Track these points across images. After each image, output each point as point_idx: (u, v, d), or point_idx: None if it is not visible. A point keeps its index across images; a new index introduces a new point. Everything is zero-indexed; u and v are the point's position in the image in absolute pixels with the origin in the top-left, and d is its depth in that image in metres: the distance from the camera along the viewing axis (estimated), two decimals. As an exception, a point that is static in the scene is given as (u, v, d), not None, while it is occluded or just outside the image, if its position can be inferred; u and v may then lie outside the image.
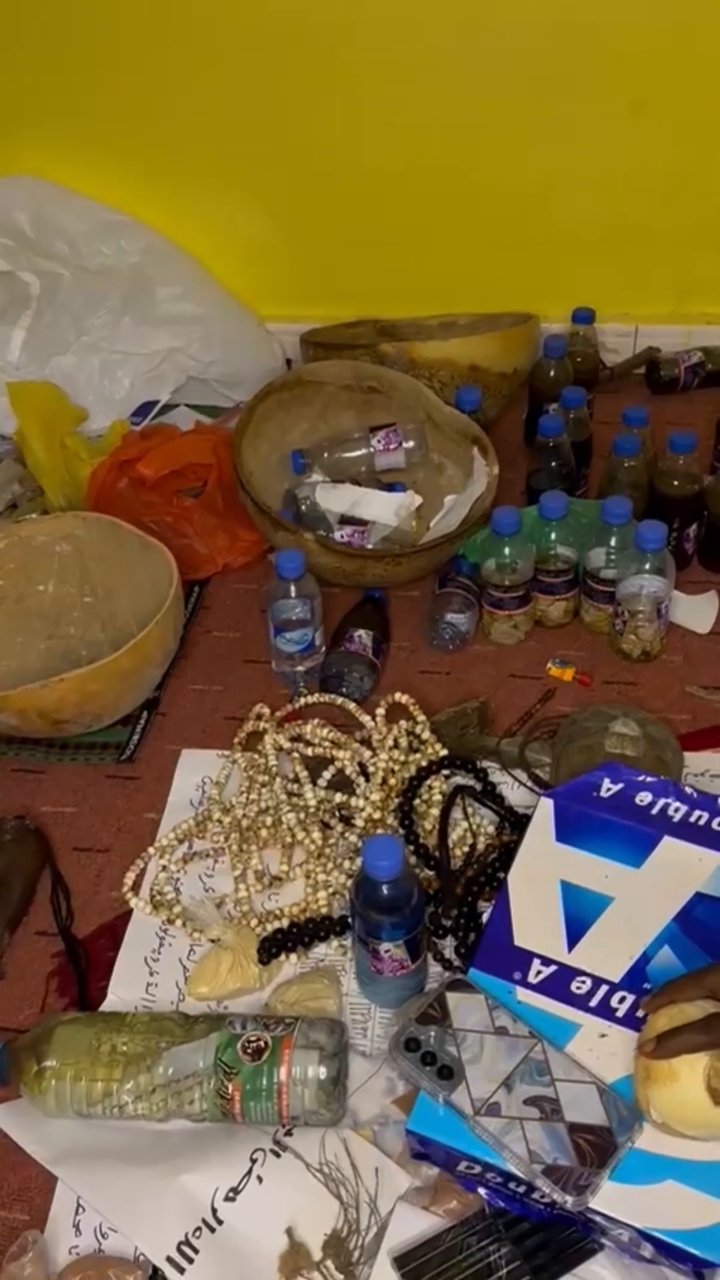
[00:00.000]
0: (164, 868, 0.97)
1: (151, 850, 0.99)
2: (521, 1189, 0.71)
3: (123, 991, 0.89)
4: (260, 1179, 0.74)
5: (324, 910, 0.93)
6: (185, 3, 1.38)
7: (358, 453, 1.31)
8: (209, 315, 1.50)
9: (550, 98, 1.39)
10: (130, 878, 0.96)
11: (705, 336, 1.53)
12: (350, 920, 0.84)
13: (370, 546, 1.25)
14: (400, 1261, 0.71)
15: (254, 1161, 0.75)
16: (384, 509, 1.27)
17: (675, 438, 1.19)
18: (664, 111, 1.39)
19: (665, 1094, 0.70)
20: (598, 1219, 0.69)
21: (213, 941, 0.90)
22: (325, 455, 1.32)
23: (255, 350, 1.54)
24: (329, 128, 1.45)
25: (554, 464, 1.27)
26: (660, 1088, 0.70)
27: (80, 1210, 0.76)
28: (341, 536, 1.24)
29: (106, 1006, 0.88)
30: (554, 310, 1.49)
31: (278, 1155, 0.75)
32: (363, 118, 1.44)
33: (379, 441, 1.31)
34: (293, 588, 1.11)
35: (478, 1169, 0.72)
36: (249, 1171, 0.74)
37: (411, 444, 1.31)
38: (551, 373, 1.39)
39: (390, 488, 1.31)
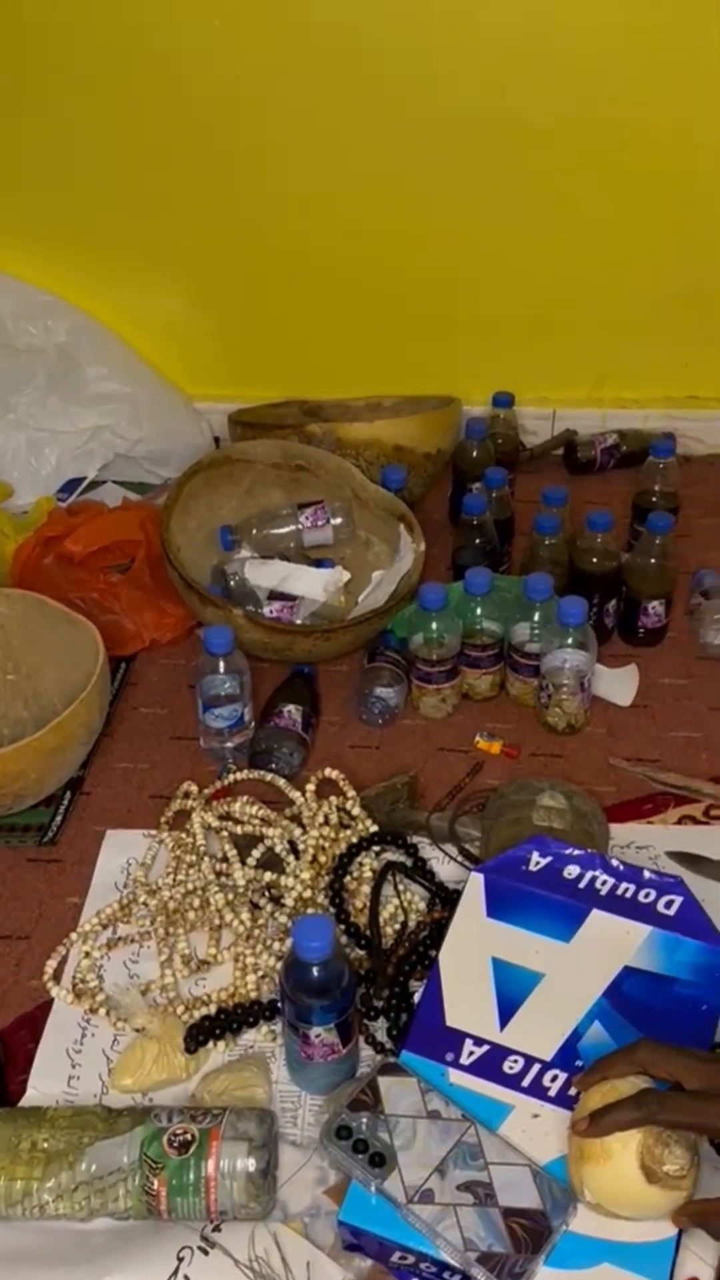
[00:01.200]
0: (87, 954, 0.94)
1: (74, 936, 0.96)
2: (456, 1278, 0.69)
3: (43, 1085, 0.85)
4: (188, 1278, 0.71)
5: (253, 994, 0.91)
6: (111, 90, 1.42)
7: (286, 529, 1.33)
8: (136, 394, 1.51)
9: (474, 188, 1.45)
10: (51, 966, 0.93)
11: (620, 419, 1.59)
12: (280, 1004, 0.83)
13: (299, 622, 1.25)
14: None
15: (181, 1260, 0.72)
16: (312, 584, 1.28)
17: (593, 516, 1.23)
18: (582, 205, 1.46)
19: (599, 1174, 0.69)
20: (534, 1308, 0.68)
21: (137, 1031, 0.87)
22: (254, 531, 1.33)
23: (183, 429, 1.56)
24: (256, 212, 1.49)
25: (478, 541, 1.30)
26: (593, 1167, 0.69)
27: (-4, 1323, 0.72)
28: (270, 612, 1.25)
29: (26, 1101, 0.84)
30: (476, 393, 1.54)
31: (205, 1253, 0.72)
32: (289, 202, 1.49)
33: (307, 518, 1.32)
34: (221, 663, 1.11)
35: (411, 1259, 0.70)
36: (175, 1271, 0.71)
37: (339, 521, 1.33)
38: (474, 453, 1.43)
39: (318, 563, 1.33)
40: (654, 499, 1.37)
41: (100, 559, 1.32)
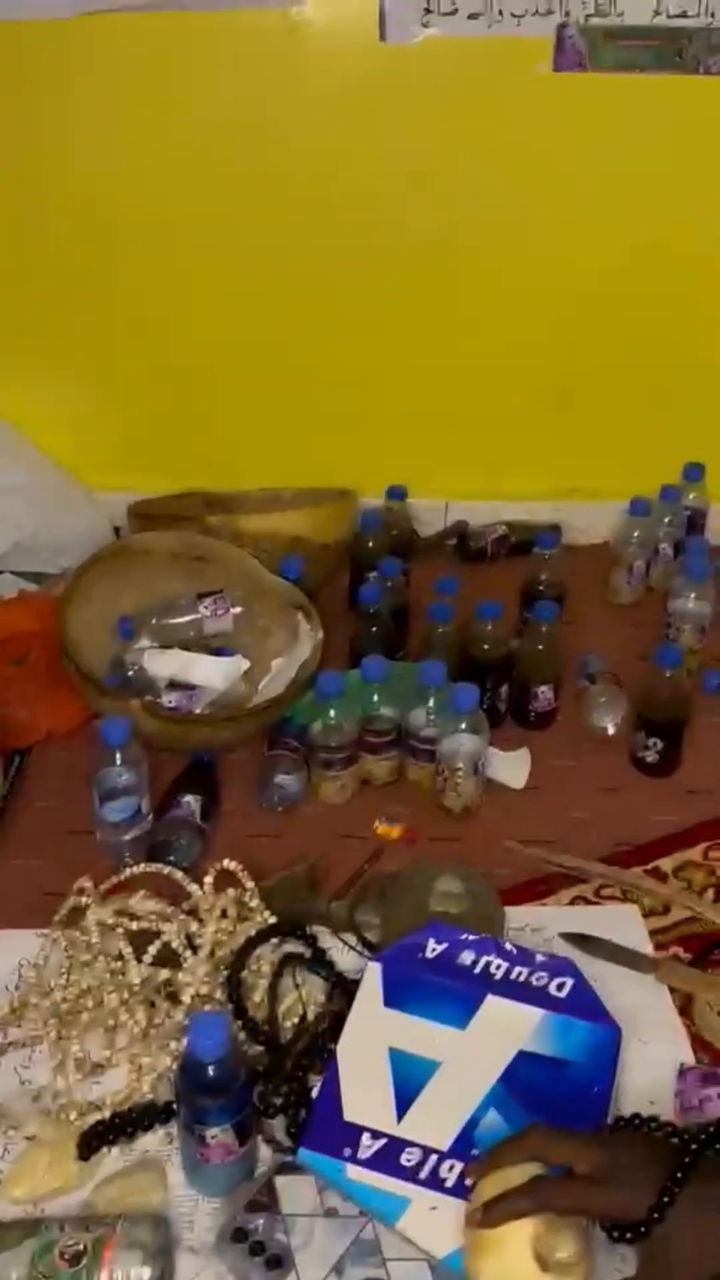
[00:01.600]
0: (-24, 1060, 0.92)
1: (-38, 1042, 0.93)
2: None
3: None
4: None
5: (149, 1096, 0.89)
6: (10, 186, 1.45)
7: (185, 619, 1.34)
8: (33, 484, 1.52)
9: (367, 292, 1.52)
10: (-62, 1073, 0.90)
11: (510, 511, 1.66)
12: (175, 1106, 0.81)
13: (198, 710, 1.26)
14: None
15: None
16: (212, 673, 1.29)
17: (483, 606, 1.28)
18: (468, 311, 1.53)
19: (493, 1264, 0.69)
20: None
21: (28, 1139, 0.84)
22: (153, 621, 1.33)
23: (81, 519, 1.56)
24: (158, 304, 1.53)
25: (374, 629, 1.33)
26: (488, 1258, 0.69)
27: None
28: (169, 701, 1.25)
29: None
30: (371, 486, 1.59)
31: None
32: (191, 296, 1.53)
33: (206, 607, 1.34)
34: (118, 755, 1.11)
35: None
36: None
37: (238, 610, 1.34)
38: (370, 543, 1.48)
39: (218, 652, 1.34)
40: (540, 588, 1.43)
41: (-3, 650, 1.31)
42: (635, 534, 1.52)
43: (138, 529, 1.48)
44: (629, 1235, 0.67)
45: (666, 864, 1.12)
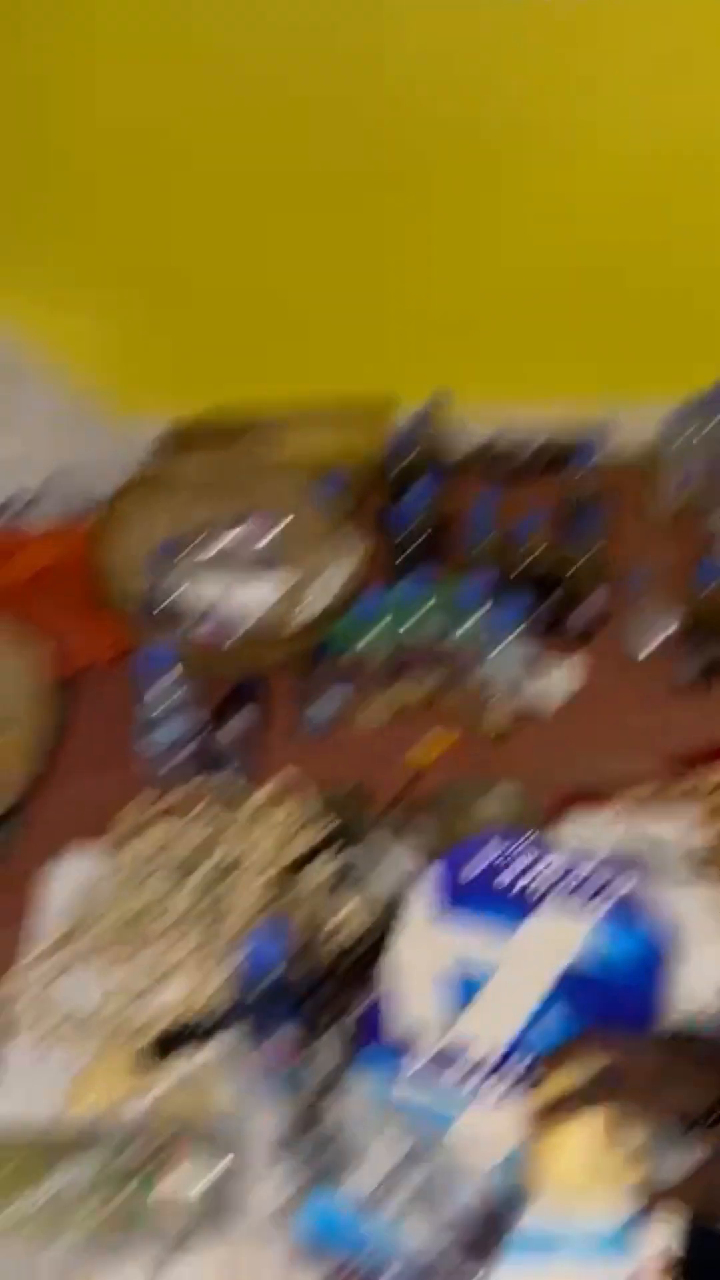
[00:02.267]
0: (38, 979, 0.94)
1: (23, 963, 0.95)
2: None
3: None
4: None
5: (207, 1008, 0.91)
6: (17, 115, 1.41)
7: (223, 543, 1.33)
8: (64, 413, 1.50)
9: (390, 188, 1.46)
10: (2, 992, 0.93)
11: (550, 420, 1.62)
12: (233, 1018, 0.83)
13: (240, 634, 1.26)
14: None
15: (151, 1270, 0.72)
16: (252, 597, 1.29)
17: (523, 520, 1.26)
18: (506, 212, 1.47)
19: (556, 1163, 0.71)
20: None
21: (92, 1052, 0.87)
22: (190, 547, 1.33)
23: (114, 446, 1.55)
24: (173, 219, 1.48)
25: (413, 547, 1.32)
26: (550, 1157, 0.71)
27: None
28: (210, 626, 1.25)
29: (-20, 1129, 0.84)
30: (408, 399, 1.55)
31: (174, 1265, 0.73)
32: (206, 209, 1.48)
33: (244, 531, 1.33)
34: (162, 681, 1.11)
35: (369, 1269, 0.71)
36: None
37: (275, 532, 1.33)
38: (407, 458, 1.45)
39: (256, 576, 1.33)
40: (583, 498, 1.40)
41: (36, 582, 1.31)
42: (681, 442, 1.48)
43: (171, 454, 1.46)
44: (690, 1130, 0.68)
45: (716, 776, 1.11)
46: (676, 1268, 0.72)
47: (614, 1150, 0.69)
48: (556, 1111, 0.70)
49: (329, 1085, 0.77)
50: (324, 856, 1.02)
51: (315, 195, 1.47)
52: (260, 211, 1.49)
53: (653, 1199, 0.70)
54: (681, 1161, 0.73)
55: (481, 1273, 0.68)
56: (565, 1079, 0.72)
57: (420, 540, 1.32)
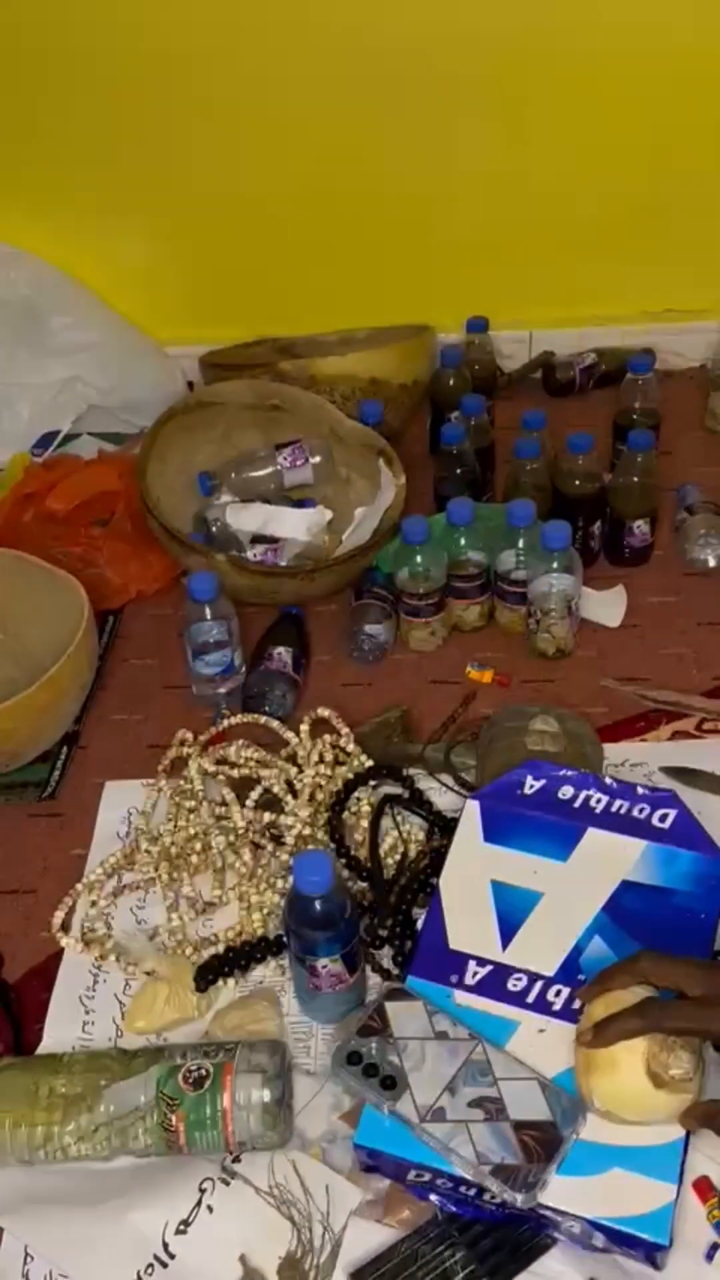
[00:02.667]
0: (93, 903, 0.96)
1: (79, 887, 0.97)
2: (472, 1192, 0.71)
3: (58, 1033, 0.87)
4: (210, 1208, 0.73)
5: (259, 932, 0.92)
6: (63, 34, 1.37)
7: (265, 471, 1.32)
8: (105, 342, 1.49)
9: (433, 111, 1.41)
10: (59, 917, 0.95)
11: (597, 338, 1.57)
12: (286, 939, 0.84)
13: (283, 564, 1.25)
14: (356, 1276, 0.71)
15: (203, 1191, 0.74)
16: (295, 526, 1.28)
17: (573, 439, 1.22)
18: (541, 120, 1.42)
19: (606, 1082, 0.71)
20: (549, 1214, 0.70)
21: (148, 974, 0.89)
22: (232, 475, 1.32)
23: (155, 375, 1.53)
24: (214, 150, 1.46)
25: (459, 471, 1.29)
26: (601, 1076, 0.71)
27: (29, 1259, 0.74)
28: (254, 556, 1.24)
29: (42, 1049, 0.86)
30: (449, 320, 1.52)
31: (227, 1183, 0.74)
32: (250, 138, 1.45)
33: (285, 458, 1.31)
34: (208, 610, 1.11)
35: (427, 1176, 0.72)
36: (198, 1202, 0.73)
37: (318, 459, 1.31)
38: (450, 382, 1.41)
39: (300, 504, 1.32)
40: (634, 417, 1.35)
41: (80, 513, 1.31)
42: (734, 354, 1.43)
43: (211, 381, 1.45)
44: None
45: (771, 696, 1.09)
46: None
47: (663, 1071, 0.69)
48: (608, 1032, 0.70)
49: (382, 1002, 0.77)
50: (371, 785, 1.01)
51: (347, 116, 1.42)
52: (299, 142, 1.45)
53: (701, 1119, 0.70)
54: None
55: (536, 1185, 0.68)
56: (617, 999, 0.72)
57: (466, 462, 1.29)
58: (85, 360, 1.47)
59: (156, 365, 1.55)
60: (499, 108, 1.41)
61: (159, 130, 1.44)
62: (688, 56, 1.36)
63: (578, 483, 1.23)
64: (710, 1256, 0.70)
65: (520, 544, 1.16)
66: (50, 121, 1.44)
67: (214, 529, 1.26)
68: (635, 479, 1.23)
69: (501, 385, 1.53)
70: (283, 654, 1.15)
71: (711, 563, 1.25)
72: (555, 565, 1.11)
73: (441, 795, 1.02)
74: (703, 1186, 0.74)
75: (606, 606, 1.21)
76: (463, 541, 1.18)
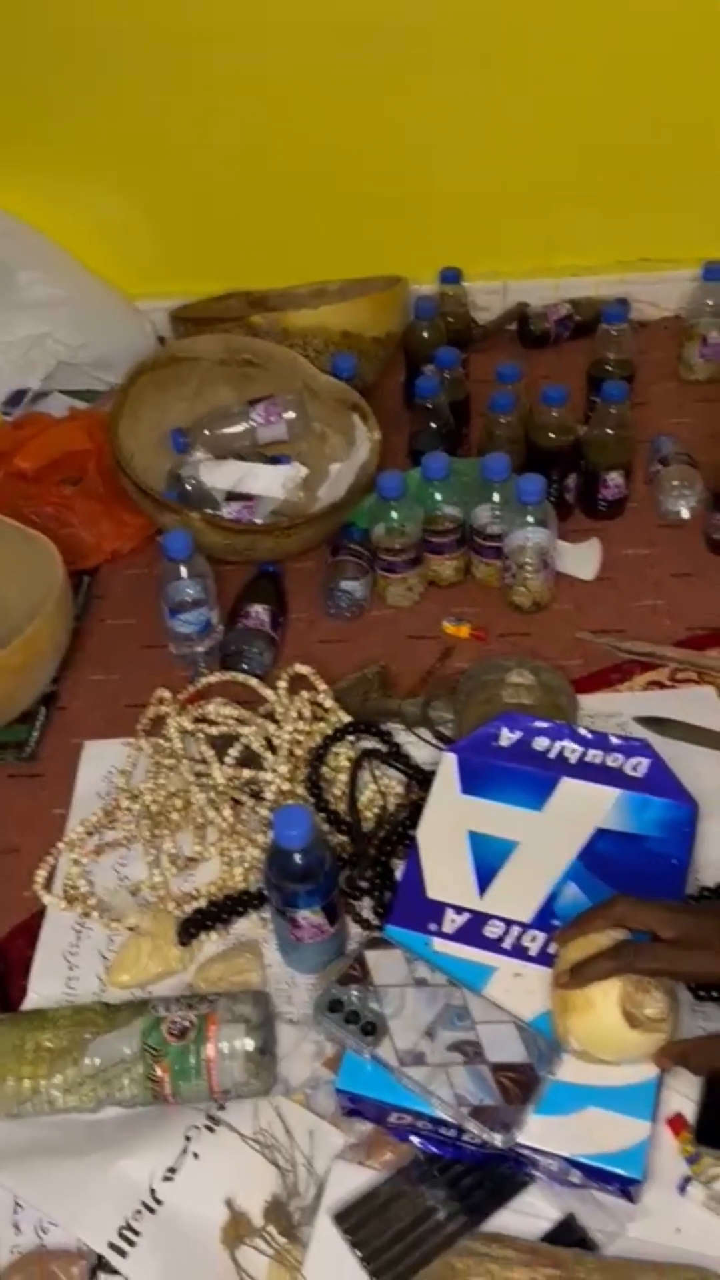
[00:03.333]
0: (75, 861, 0.96)
1: (61, 845, 0.98)
2: (452, 1133, 0.73)
3: (43, 988, 0.88)
4: (196, 1155, 0.74)
5: (241, 886, 0.93)
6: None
7: (238, 427, 1.30)
8: (74, 298, 1.47)
9: (403, 60, 1.39)
10: (41, 875, 0.95)
11: (572, 288, 1.56)
12: (267, 893, 0.85)
13: (259, 521, 1.24)
14: (340, 1218, 0.72)
15: (188, 1139, 0.75)
16: (270, 482, 1.27)
17: (547, 391, 1.21)
18: (515, 69, 1.40)
19: (583, 1023, 0.72)
20: (527, 1153, 0.72)
21: (131, 929, 0.90)
22: (206, 432, 1.30)
23: (125, 330, 1.51)
24: (185, 102, 1.43)
25: (433, 425, 1.29)
26: (578, 1017, 0.72)
27: (18, 1208, 0.76)
28: (229, 513, 1.24)
29: (27, 1005, 0.87)
30: (422, 272, 1.50)
31: (212, 1130, 0.76)
32: (218, 88, 1.42)
33: (259, 414, 1.30)
34: (183, 569, 1.10)
35: (408, 1119, 0.74)
36: (184, 1150, 0.75)
37: (292, 415, 1.30)
38: (424, 334, 1.40)
39: (274, 460, 1.31)
40: (609, 368, 1.35)
41: (51, 472, 1.29)
42: (709, 302, 1.42)
43: (182, 335, 1.43)
44: (714, 994, 0.69)
45: (744, 645, 1.10)
46: (695, 1125, 0.75)
47: (637, 1011, 0.70)
48: (583, 974, 0.72)
49: (362, 951, 0.79)
50: (349, 740, 1.02)
51: (316, 64, 1.39)
52: (269, 94, 1.42)
53: (675, 1057, 0.72)
54: (703, 1025, 0.76)
55: (514, 1125, 0.70)
56: (592, 942, 0.73)
57: (441, 416, 1.29)
58: (54, 316, 1.45)
59: (127, 320, 1.53)
60: (473, 56, 1.38)
61: (128, 82, 1.41)
62: (663, 6, 1.34)
63: (552, 435, 1.23)
64: (683, 1189, 0.72)
65: (495, 498, 1.15)
66: (17, 74, 1.40)
67: (188, 487, 1.25)
68: (610, 431, 1.23)
69: (476, 337, 1.52)
70: (260, 611, 1.15)
71: (685, 514, 1.25)
72: (530, 519, 1.12)
73: (419, 749, 1.03)
74: (676, 1123, 0.76)
75: (581, 559, 1.22)
76: (438, 496, 1.17)
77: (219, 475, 1.26)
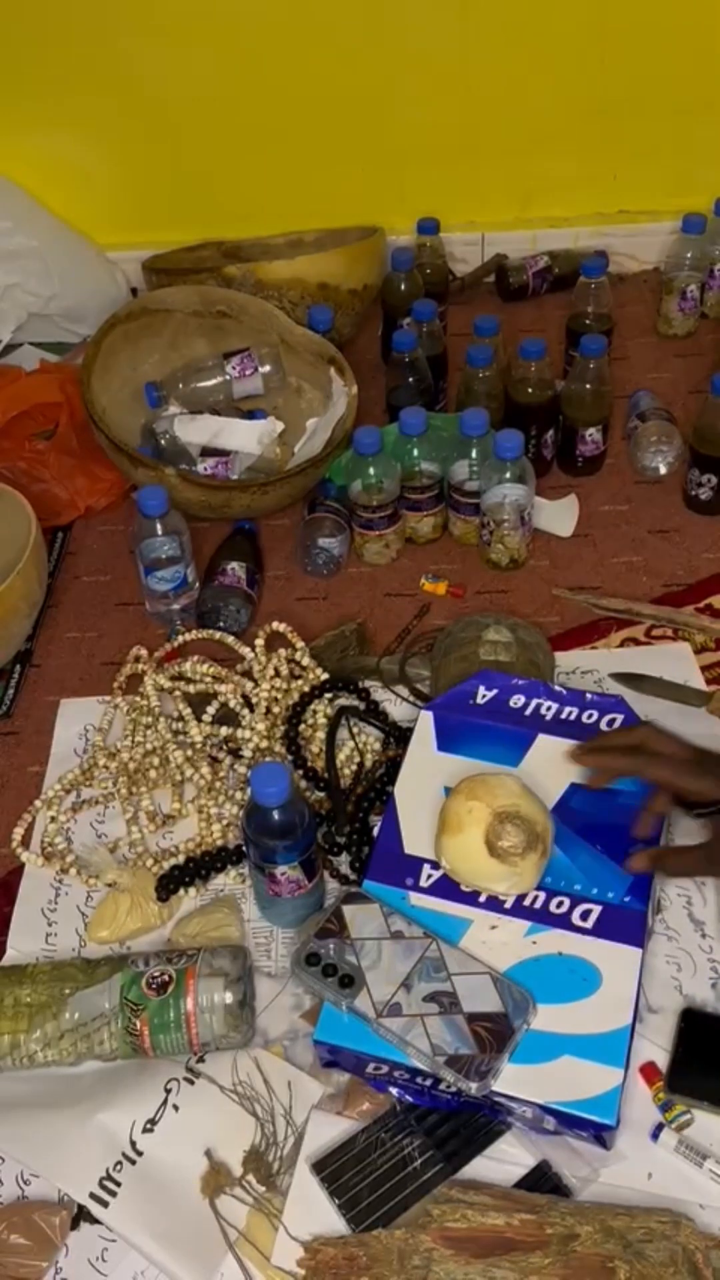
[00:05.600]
0: (53, 819, 0.96)
1: (38, 803, 0.97)
2: (428, 1082, 0.74)
3: (22, 944, 0.88)
4: (176, 1107, 0.75)
5: (219, 842, 0.94)
6: None
7: (213, 381, 1.29)
8: (44, 248, 1.43)
9: (379, 5, 1.36)
10: (19, 833, 0.95)
11: (550, 240, 1.54)
12: (245, 848, 0.85)
13: (235, 477, 1.23)
14: (318, 1167, 0.73)
15: (168, 1091, 0.76)
16: (246, 438, 1.25)
17: (525, 345, 1.20)
18: (492, 15, 1.37)
19: (452, 841, 0.80)
20: (502, 1101, 0.73)
21: (109, 886, 0.90)
22: (180, 386, 1.29)
23: (97, 281, 1.48)
24: (156, 47, 1.39)
25: (411, 380, 1.27)
26: (449, 836, 0.79)
27: (0, 1161, 0.77)
28: (205, 469, 1.22)
29: (6, 961, 0.87)
30: (400, 222, 1.48)
31: (191, 1082, 0.77)
32: (190, 34, 1.38)
33: (234, 368, 1.28)
34: (159, 525, 1.09)
35: (385, 1069, 0.75)
36: (164, 1102, 0.75)
37: (268, 368, 1.29)
38: (401, 286, 1.38)
39: (250, 415, 1.29)
40: (587, 321, 1.34)
41: (22, 426, 1.27)
42: (689, 255, 1.40)
43: (155, 286, 1.40)
44: (705, 812, 0.77)
45: (718, 601, 1.11)
46: (667, 1073, 0.76)
47: (496, 841, 0.78)
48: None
49: (340, 906, 0.79)
50: (327, 697, 1.02)
51: (288, 11, 1.36)
52: (244, 39, 1.38)
53: (653, 860, 0.79)
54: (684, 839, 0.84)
55: (489, 1073, 0.71)
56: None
57: (418, 370, 1.27)
58: (24, 267, 1.42)
59: (98, 271, 1.50)
60: (450, 3, 1.35)
61: (98, 28, 1.37)
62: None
63: (530, 390, 1.22)
64: (655, 1136, 0.74)
65: (473, 454, 1.15)
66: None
67: (162, 442, 1.24)
68: (588, 386, 1.22)
69: (454, 290, 1.50)
70: (236, 569, 1.15)
71: (663, 470, 1.25)
72: (508, 475, 1.11)
73: (397, 706, 1.03)
74: (649, 1071, 0.77)
75: (559, 516, 1.22)
76: (416, 452, 1.17)
77: (194, 430, 1.24)
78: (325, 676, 1.03)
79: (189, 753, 0.99)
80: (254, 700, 1.02)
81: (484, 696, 0.93)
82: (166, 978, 0.78)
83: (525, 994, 0.75)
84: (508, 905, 0.80)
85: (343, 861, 0.91)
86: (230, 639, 1.08)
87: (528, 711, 0.91)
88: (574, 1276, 0.67)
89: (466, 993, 0.75)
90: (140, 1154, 0.74)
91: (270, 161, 1.48)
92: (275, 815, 0.80)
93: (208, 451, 1.24)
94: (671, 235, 1.44)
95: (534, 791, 0.82)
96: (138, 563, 1.11)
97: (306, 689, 1.02)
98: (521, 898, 0.80)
